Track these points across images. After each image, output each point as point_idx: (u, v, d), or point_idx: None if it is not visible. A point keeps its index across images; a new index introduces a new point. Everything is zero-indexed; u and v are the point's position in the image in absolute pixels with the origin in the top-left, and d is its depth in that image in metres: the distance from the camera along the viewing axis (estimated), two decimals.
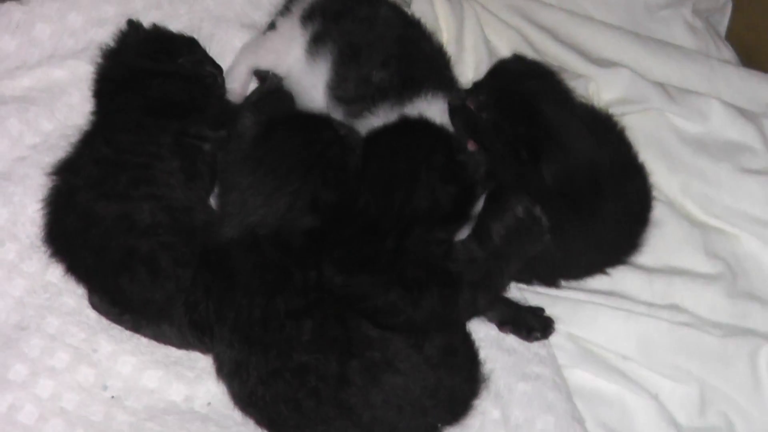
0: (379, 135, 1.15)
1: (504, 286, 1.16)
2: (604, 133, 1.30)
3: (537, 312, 1.22)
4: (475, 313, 1.13)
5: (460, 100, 1.24)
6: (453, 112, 1.23)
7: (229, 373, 1.06)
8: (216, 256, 1.08)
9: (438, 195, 1.08)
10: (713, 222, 1.39)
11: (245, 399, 1.06)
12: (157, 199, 1.11)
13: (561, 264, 1.24)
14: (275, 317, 1.03)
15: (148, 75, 1.23)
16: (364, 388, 1.01)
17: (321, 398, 1.01)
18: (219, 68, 1.31)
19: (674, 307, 1.28)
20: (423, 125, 1.16)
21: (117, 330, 1.15)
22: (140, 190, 1.10)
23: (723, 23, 1.74)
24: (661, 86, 1.50)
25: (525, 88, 1.23)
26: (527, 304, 1.23)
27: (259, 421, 1.07)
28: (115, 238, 1.09)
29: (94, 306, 1.16)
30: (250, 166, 1.09)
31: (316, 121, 1.16)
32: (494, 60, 1.53)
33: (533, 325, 1.20)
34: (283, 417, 1.04)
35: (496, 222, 1.10)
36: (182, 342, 1.15)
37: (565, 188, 1.18)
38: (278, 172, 1.08)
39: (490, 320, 1.20)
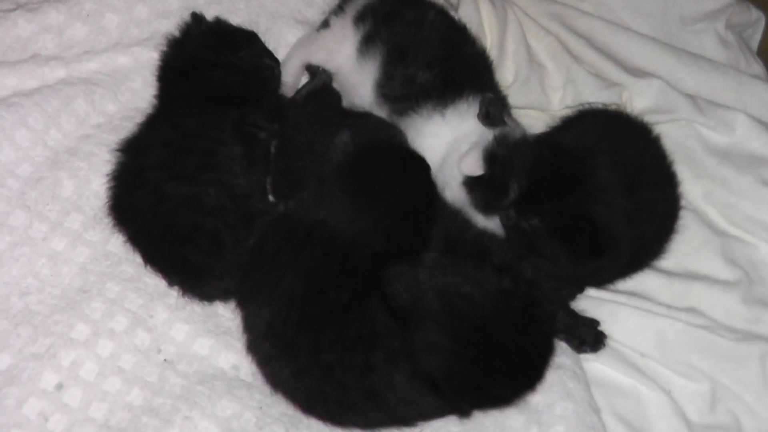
0: None
1: None
2: (640, 141, 1.33)
3: (593, 325, 1.26)
4: None
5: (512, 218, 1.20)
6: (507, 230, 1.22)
7: (261, 363, 1.12)
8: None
9: None
10: (733, 230, 1.42)
11: (276, 386, 1.12)
12: (222, 184, 1.17)
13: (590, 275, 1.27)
14: (310, 322, 1.09)
15: (209, 66, 1.28)
16: (388, 375, 1.07)
17: (347, 388, 1.07)
18: (277, 61, 1.36)
19: (692, 310, 1.32)
20: None
21: (172, 298, 1.20)
22: (207, 175, 1.17)
23: (755, 38, 1.75)
24: (691, 97, 1.52)
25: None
26: (585, 315, 1.27)
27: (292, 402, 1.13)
28: (183, 215, 1.15)
29: None
30: (344, 183, 1.17)
31: (415, 162, 1.24)
32: (534, 65, 1.59)
33: (585, 338, 1.24)
34: (313, 404, 1.11)
35: None
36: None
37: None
38: (369, 199, 1.15)
39: None
